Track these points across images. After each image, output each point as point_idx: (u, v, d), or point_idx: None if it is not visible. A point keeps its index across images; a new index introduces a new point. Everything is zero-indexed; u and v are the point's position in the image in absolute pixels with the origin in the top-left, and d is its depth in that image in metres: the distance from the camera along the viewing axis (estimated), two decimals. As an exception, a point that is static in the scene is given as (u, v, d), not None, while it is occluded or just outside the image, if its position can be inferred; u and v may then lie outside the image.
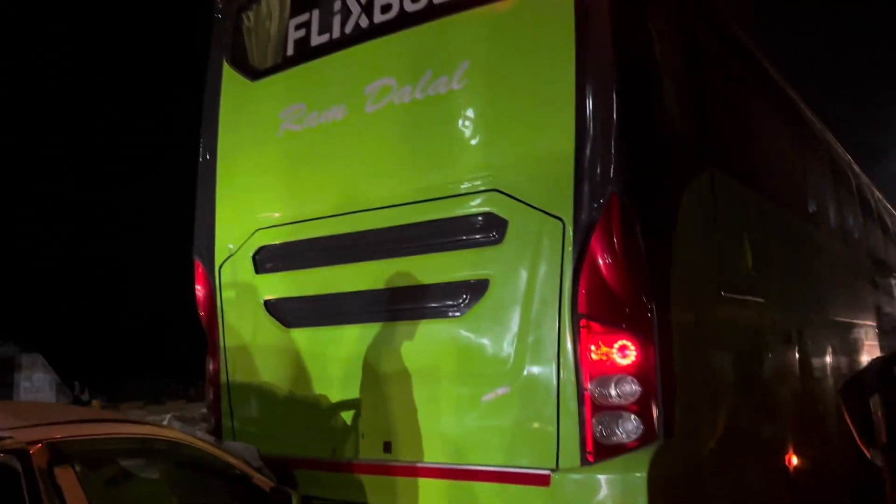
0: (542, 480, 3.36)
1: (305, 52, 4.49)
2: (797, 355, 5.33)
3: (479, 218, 3.73)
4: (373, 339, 4.03)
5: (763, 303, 4.68)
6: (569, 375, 3.39)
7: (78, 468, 3.12)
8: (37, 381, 22.30)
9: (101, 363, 25.27)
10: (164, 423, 4.11)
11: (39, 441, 3.02)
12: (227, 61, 4.83)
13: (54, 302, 30.53)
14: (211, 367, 4.64)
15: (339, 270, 4.17)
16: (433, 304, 3.85)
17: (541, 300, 3.51)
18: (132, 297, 31.70)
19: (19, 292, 30.18)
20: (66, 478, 3.03)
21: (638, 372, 3.33)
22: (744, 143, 4.78)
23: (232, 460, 3.75)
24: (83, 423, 3.39)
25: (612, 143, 3.41)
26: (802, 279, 5.92)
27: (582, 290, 3.39)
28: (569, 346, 3.41)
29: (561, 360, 3.43)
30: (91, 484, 3.25)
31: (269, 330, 4.41)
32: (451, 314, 3.77)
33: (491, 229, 3.68)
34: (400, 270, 3.94)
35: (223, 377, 4.57)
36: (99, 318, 31.19)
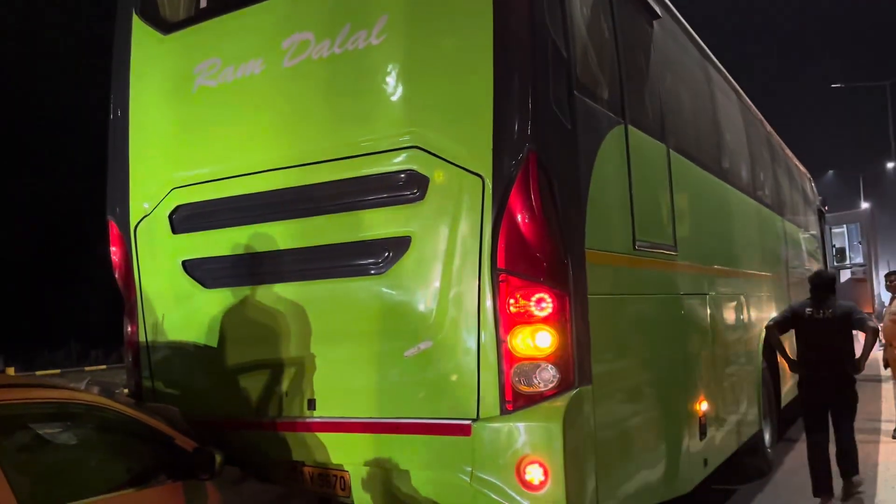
0: (464, 430, 3.46)
1: (220, 5, 4.36)
2: (709, 307, 5.58)
3: (401, 175, 3.74)
4: (294, 298, 4.02)
5: (676, 255, 4.86)
6: (488, 328, 3.48)
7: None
8: (-54, 351, 21.33)
9: (17, 332, 24.30)
10: (82, 387, 4.01)
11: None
12: (136, 13, 4.63)
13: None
14: (129, 328, 4.55)
15: (257, 229, 4.13)
16: (355, 262, 3.86)
17: (462, 256, 3.56)
18: (49, 263, 30.45)
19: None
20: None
21: (554, 323, 3.44)
22: (658, 99, 4.90)
23: (153, 422, 3.71)
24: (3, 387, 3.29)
25: (530, 100, 3.46)
26: (715, 234, 6.17)
27: (501, 246, 3.46)
28: (488, 300, 3.49)
29: (481, 313, 3.50)
30: (5, 451, 3.18)
31: (188, 291, 4.34)
32: (372, 271, 3.79)
33: (412, 186, 3.69)
34: (320, 228, 3.93)
35: (142, 339, 4.49)
36: (14, 286, 29.89)
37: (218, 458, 3.62)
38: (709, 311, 5.57)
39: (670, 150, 4.93)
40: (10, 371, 14.44)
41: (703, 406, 5.05)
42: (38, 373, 16.35)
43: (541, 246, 3.48)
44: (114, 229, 4.63)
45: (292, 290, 4.01)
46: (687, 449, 4.78)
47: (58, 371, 14.40)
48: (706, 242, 5.80)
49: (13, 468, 3.05)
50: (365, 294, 3.81)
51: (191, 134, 4.40)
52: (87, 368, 15.46)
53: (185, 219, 4.38)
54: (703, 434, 4.99)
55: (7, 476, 2.97)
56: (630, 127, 4.29)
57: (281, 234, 4.04)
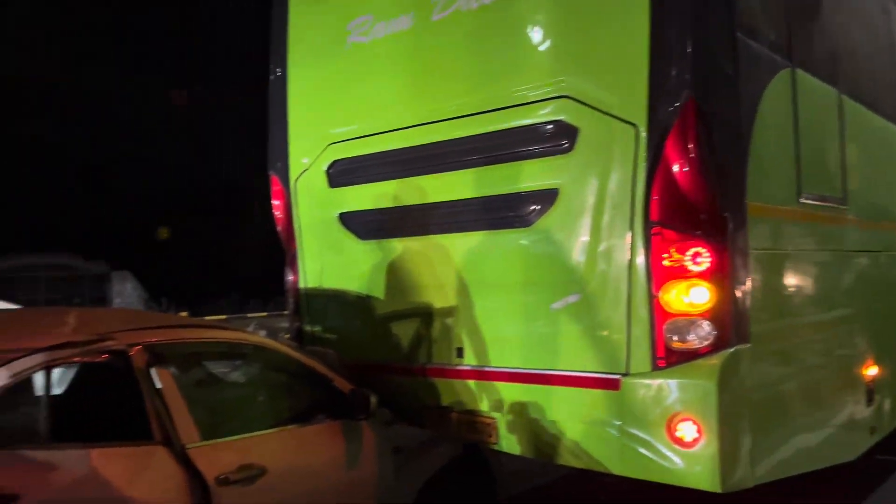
0: (613, 385, 3.43)
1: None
2: (880, 265, 5.16)
3: (549, 126, 3.69)
4: (443, 249, 4.10)
5: (845, 209, 4.52)
6: (640, 283, 3.40)
7: (173, 369, 3.34)
8: (127, 297, 23.73)
9: (185, 281, 26.47)
10: (249, 330, 4.33)
11: (138, 343, 3.24)
12: (293, -26, 4.81)
13: (143, 223, 31.87)
14: (290, 277, 4.83)
15: (409, 183, 4.23)
16: (502, 215, 3.87)
17: (611, 208, 3.49)
18: (215, 218, 32.77)
19: (110, 214, 31.66)
20: (163, 377, 3.25)
21: (711, 278, 3.31)
22: (830, 39, 4.51)
23: (313, 364, 3.95)
24: (177, 328, 3.61)
25: (688, 42, 3.29)
26: (890, 186, 5.66)
27: (654, 197, 3.35)
28: (640, 253, 3.40)
29: (632, 267, 3.43)
30: (184, 385, 3.49)
31: (344, 242, 4.54)
32: (520, 224, 3.79)
33: (561, 137, 3.64)
34: (469, 181, 3.97)
35: (302, 287, 4.76)
36: (184, 239, 32.49)
37: (373, 400, 3.81)
38: (880, 269, 5.15)
39: (842, 95, 4.55)
40: (184, 314, 15.78)
41: (870, 371, 4.71)
42: (206, 318, 17.78)
43: (698, 198, 3.34)
44: (276, 184, 4.90)
45: (442, 241, 4.09)
46: (851, 415, 4.49)
47: (224, 317, 15.57)
48: (879, 195, 5.34)
49: (191, 401, 3.36)
50: (512, 246, 3.82)
51: (344, 90, 4.54)
52: (248, 315, 16.62)
53: (341, 173, 4.56)
54: (870, 400, 4.66)
55: (189, 406, 3.28)
56: (798, 70, 3.99)
57: (431, 188, 4.12)
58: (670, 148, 3.30)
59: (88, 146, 30.94)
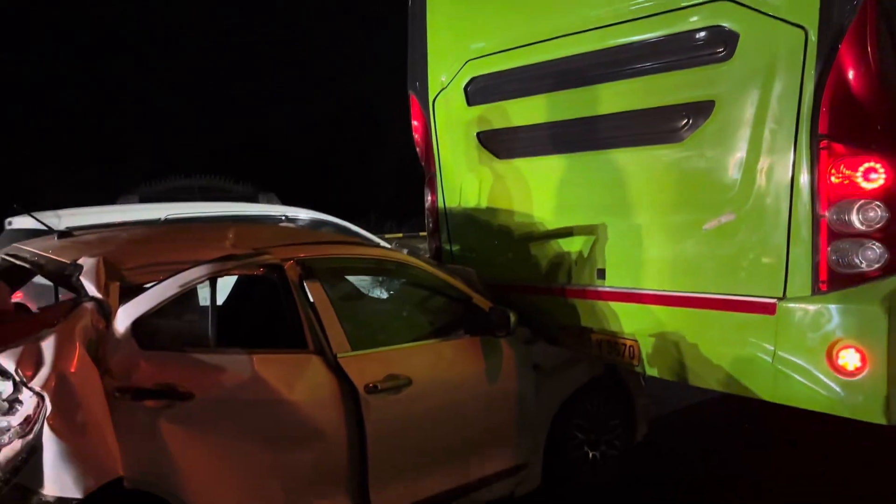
0: (768, 309, 3.25)
1: None
2: None
3: (705, 33, 3.43)
4: (586, 167, 3.98)
5: None
6: (803, 201, 3.16)
7: (323, 283, 3.49)
8: (273, 218, 25.09)
9: (324, 202, 27.52)
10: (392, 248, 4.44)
11: (291, 258, 3.40)
12: None
13: (285, 145, 33.29)
14: (429, 197, 4.87)
15: (550, 98, 4.10)
16: (651, 130, 3.69)
17: (773, 121, 3.23)
18: (351, 140, 33.66)
19: (255, 137, 33.31)
20: (315, 290, 3.40)
21: (885, 197, 3.02)
22: None
23: (454, 281, 4.00)
24: (326, 244, 3.75)
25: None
26: None
27: (824, 108, 3.06)
28: (804, 169, 3.15)
29: (795, 184, 3.18)
30: (334, 298, 3.64)
31: (483, 161, 4.50)
32: (670, 139, 3.60)
33: (718, 44, 3.38)
34: (616, 95, 3.79)
35: (440, 206, 4.79)
36: (325, 161, 33.68)
37: (513, 318, 3.83)
38: None
39: None
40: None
41: None
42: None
43: (874, 108, 3.02)
44: (415, 103, 4.90)
45: (585, 159, 3.97)
46: None
47: (400, 235, 16.07)
48: None
49: (341, 314, 3.50)
50: (661, 163, 3.65)
51: (483, 4, 4.42)
52: (386, 235, 17.12)
53: (479, 91, 4.48)
54: None
55: (339, 318, 3.42)
56: None
57: (574, 103, 3.97)
58: (845, 52, 2.99)
59: (230, 80, 32.45)
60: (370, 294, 4.51)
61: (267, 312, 3.50)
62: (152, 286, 2.97)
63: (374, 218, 29.17)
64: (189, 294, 3.33)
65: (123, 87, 32.91)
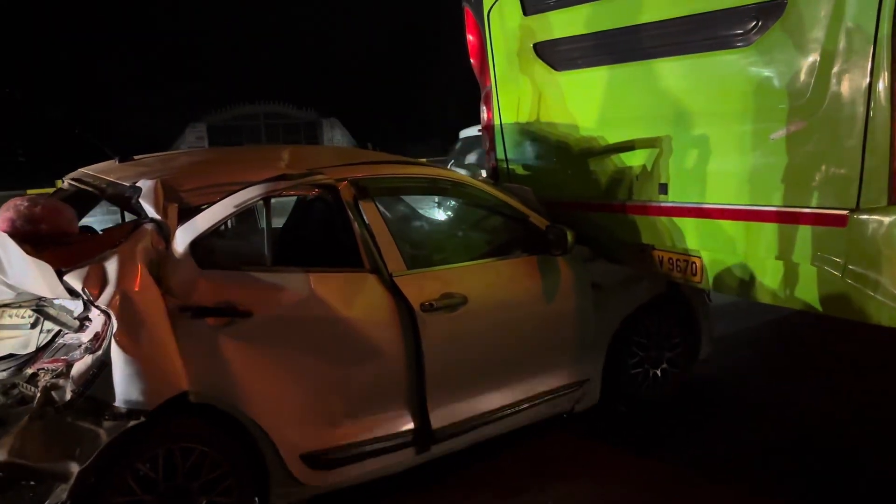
0: (839, 221, 3.08)
1: None
2: None
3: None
4: (647, 77, 3.79)
5: None
6: (881, 106, 2.92)
7: (378, 202, 3.48)
8: (336, 142, 25.20)
9: (388, 127, 27.49)
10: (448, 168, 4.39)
11: (345, 178, 3.39)
12: None
13: (348, 72, 33.18)
14: (485, 114, 4.76)
15: (611, 4, 3.89)
16: (717, 34, 3.46)
17: (851, 19, 2.98)
18: (415, 64, 33.24)
19: (319, 65, 33.30)
20: (369, 210, 3.40)
21: (977, 99, 2.78)
22: None
23: (510, 200, 3.94)
24: (380, 164, 3.72)
25: None
26: None
27: (909, 2, 2.80)
28: (884, 73, 2.90)
29: (873, 89, 2.95)
30: (389, 217, 3.64)
31: (539, 74, 4.35)
32: (737, 43, 3.38)
33: (792, -64, 3.11)
34: (674, -2, 3.56)
35: (496, 123, 4.68)
36: (387, 87, 33.50)
37: (570, 236, 3.77)
38: None
39: None
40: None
41: None
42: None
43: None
44: (469, 16, 4.74)
45: (646, 68, 3.78)
46: None
47: (424, 160, 16.07)
48: None
49: (396, 233, 3.50)
50: (727, 70, 3.44)
51: None
52: (443, 159, 17.05)
53: (536, -3, 4.30)
54: None
55: (394, 237, 3.43)
56: None
57: (633, 7, 3.76)
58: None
59: (298, 18, 32.27)
60: (427, 213, 4.50)
61: (323, 232, 3.53)
62: (208, 207, 3.01)
63: (439, 142, 29.04)
64: (247, 214, 3.38)
65: (187, 13, 33.12)
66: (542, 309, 3.80)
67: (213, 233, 3.00)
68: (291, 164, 3.44)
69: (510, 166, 4.67)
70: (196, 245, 2.93)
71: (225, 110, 22.99)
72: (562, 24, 4.18)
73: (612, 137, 4.00)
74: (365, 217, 3.36)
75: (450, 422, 3.46)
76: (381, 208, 3.51)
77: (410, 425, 3.36)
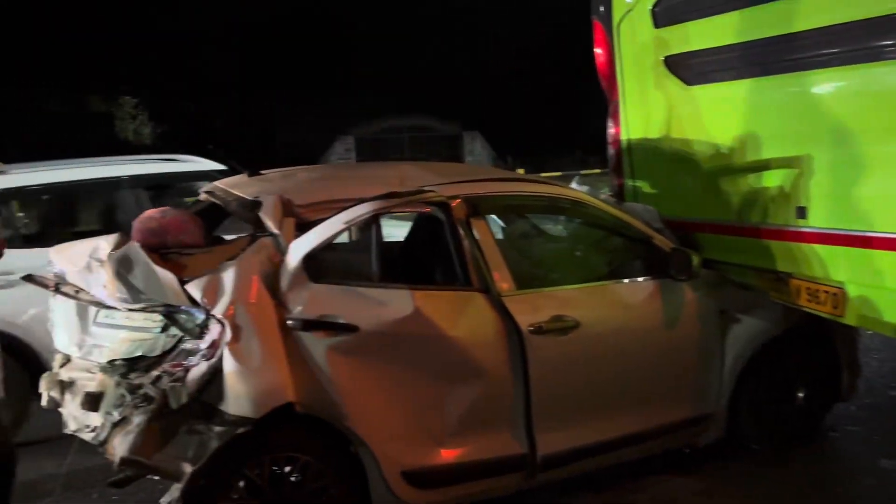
0: None
1: None
2: None
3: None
4: (790, 91, 3.50)
5: None
6: None
7: (491, 221, 3.43)
8: (476, 155, 25.50)
9: (529, 140, 27.43)
10: (571, 185, 4.27)
11: (458, 196, 3.37)
12: None
13: (491, 85, 33.48)
14: (612, 129, 4.60)
15: (750, 13, 3.62)
16: (873, 44, 3.13)
17: None
18: (558, 76, 33.07)
19: (461, 78, 33.87)
20: (481, 228, 3.36)
21: None
22: None
23: (632, 221, 3.77)
24: (496, 181, 3.67)
25: None
26: None
27: None
28: None
29: None
30: (501, 236, 3.58)
31: (670, 88, 4.13)
32: (893, 55, 3.04)
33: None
34: (830, 4, 3.26)
35: (623, 139, 4.51)
36: (530, 99, 33.49)
37: (695, 260, 3.55)
38: None
39: None
40: (521, 171, 16.43)
41: None
42: (542, 174, 18.33)
43: None
44: (598, 29, 4.60)
45: (788, 82, 3.48)
46: None
47: (559, 174, 15.89)
48: None
49: (508, 252, 3.44)
50: (881, 83, 3.10)
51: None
52: (582, 172, 16.75)
53: (668, 10, 4.09)
54: None
55: (505, 257, 3.36)
56: None
57: (778, 17, 3.47)
58: None
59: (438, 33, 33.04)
60: (543, 232, 4.40)
61: (434, 249, 3.52)
62: (321, 222, 3.09)
63: (580, 154, 28.64)
64: (364, 229, 3.44)
65: (345, 24, 34.74)
66: (663, 336, 3.60)
67: (325, 247, 3.07)
68: (406, 181, 3.46)
69: (636, 184, 4.48)
70: (308, 259, 3.01)
71: (373, 123, 23.90)
72: (698, 36, 3.96)
73: (747, 156, 3.73)
74: (476, 235, 3.32)
75: (557, 449, 3.34)
76: (498, 225, 3.46)
77: (516, 450, 3.27)
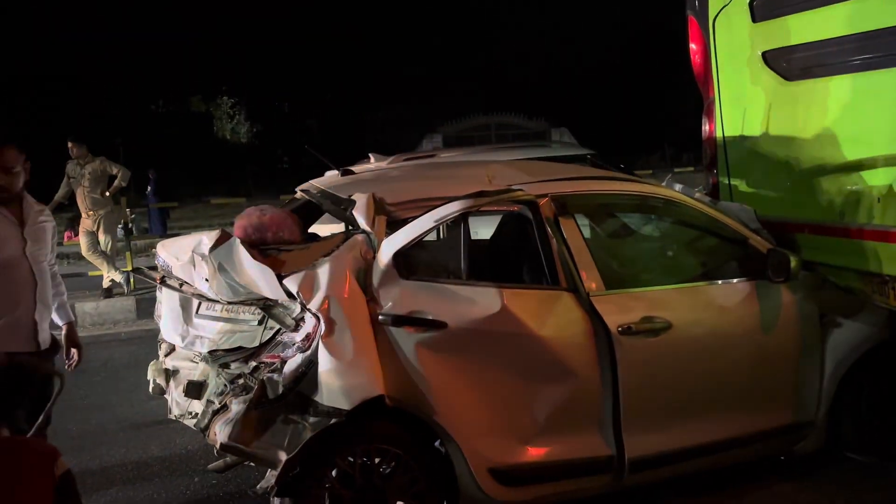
0: None
1: None
2: None
3: None
4: (898, 85, 3.33)
5: None
6: None
7: (579, 220, 3.41)
8: (564, 153, 25.24)
9: (618, 137, 26.91)
10: (663, 184, 4.19)
11: (547, 194, 3.37)
12: None
13: (580, 82, 33.08)
14: (707, 127, 4.48)
15: (856, 5, 3.47)
16: None
17: None
18: (647, 73, 32.38)
19: (545, 75, 33.59)
20: (569, 227, 3.35)
21: None
22: None
23: (727, 220, 3.67)
24: (585, 179, 3.65)
25: None
26: None
27: None
28: None
29: None
30: (590, 235, 3.54)
31: (768, 84, 3.99)
32: None
33: None
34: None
35: (719, 137, 4.38)
36: (618, 96, 32.92)
37: (794, 261, 3.42)
38: None
39: None
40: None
41: None
42: (635, 172, 17.91)
43: None
44: (693, 24, 4.49)
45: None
46: None
47: (650, 171, 15.50)
48: None
49: (597, 252, 3.40)
50: None
51: None
52: (676, 170, 16.29)
53: (768, 3, 3.96)
54: None
55: (594, 256, 3.33)
56: None
57: (885, 7, 3.32)
58: None
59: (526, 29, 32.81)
60: (634, 232, 4.33)
61: (521, 248, 3.53)
62: (411, 220, 3.15)
63: (670, 151, 27.86)
64: (453, 227, 3.49)
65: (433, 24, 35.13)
66: (758, 340, 3.48)
67: (415, 245, 3.13)
68: (495, 179, 3.48)
69: (732, 182, 4.35)
70: (399, 256, 3.08)
71: (460, 122, 24.02)
72: (798, 29, 3.81)
73: (852, 154, 3.57)
74: (564, 234, 3.31)
75: (646, 452, 3.29)
76: (589, 223, 3.44)
77: (603, 451, 3.24)
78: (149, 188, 16.30)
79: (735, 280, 3.55)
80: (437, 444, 3.09)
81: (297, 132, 33.98)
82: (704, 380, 3.40)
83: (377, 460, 3.02)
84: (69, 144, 8.41)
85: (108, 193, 8.59)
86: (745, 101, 4.16)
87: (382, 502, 3.02)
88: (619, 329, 3.19)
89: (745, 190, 4.26)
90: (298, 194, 4.14)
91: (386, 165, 5.05)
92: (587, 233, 3.53)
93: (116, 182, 8.58)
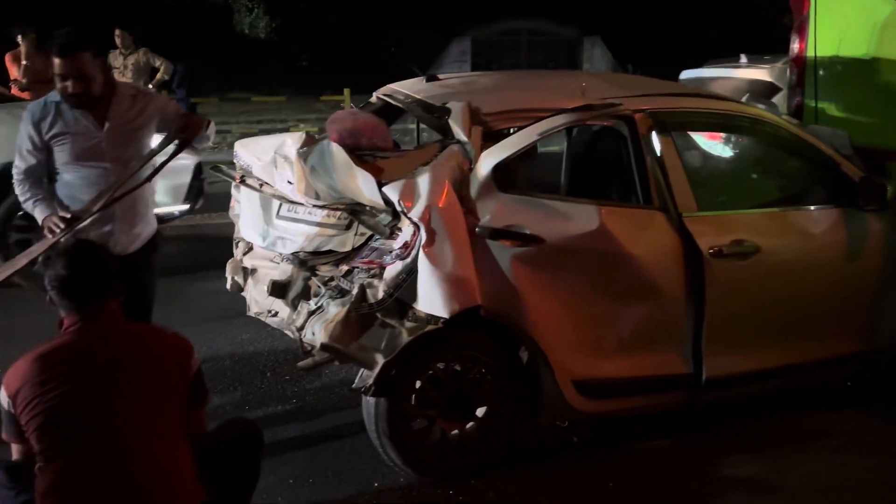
0: None
1: None
2: None
3: None
4: None
5: None
6: None
7: (674, 137, 3.35)
8: (595, 62, 24.55)
9: (652, 48, 26.04)
10: (743, 100, 4.08)
11: (642, 110, 3.29)
12: None
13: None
14: (796, 45, 4.33)
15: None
16: None
17: None
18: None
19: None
20: (665, 145, 3.29)
21: None
22: None
23: (818, 144, 3.60)
24: (679, 95, 3.56)
25: None
26: None
27: None
28: None
29: None
30: (683, 154, 3.48)
31: (874, 3, 3.83)
32: None
33: None
34: None
35: (810, 55, 4.23)
36: (655, 5, 31.59)
37: (889, 190, 3.37)
38: None
39: None
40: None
41: None
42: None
43: None
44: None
45: None
46: None
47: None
48: None
49: (689, 171, 3.35)
50: None
51: None
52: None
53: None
54: None
55: (687, 177, 3.29)
56: None
57: None
58: None
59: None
60: (725, 152, 4.25)
61: (613, 165, 3.48)
62: (513, 132, 3.09)
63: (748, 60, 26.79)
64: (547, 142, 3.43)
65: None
66: (843, 268, 3.48)
67: (516, 158, 3.08)
68: (589, 92, 3.39)
69: (819, 105, 4.23)
70: (498, 169, 3.03)
71: (490, 25, 23.21)
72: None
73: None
74: (659, 152, 3.25)
75: (722, 372, 3.34)
76: (677, 143, 3.37)
77: (682, 370, 3.30)
78: (174, 82, 16.00)
79: (825, 206, 3.51)
80: (518, 355, 3.14)
81: (315, 29, 32.97)
82: (786, 305, 3.42)
83: (468, 368, 3.08)
84: (116, 32, 8.21)
85: (150, 86, 8.47)
86: (846, 21, 4.00)
87: (468, 406, 3.11)
88: (711, 251, 3.18)
89: (833, 114, 4.16)
90: (374, 98, 4.05)
91: None
92: (684, 151, 3.45)
93: (159, 75, 8.45)
